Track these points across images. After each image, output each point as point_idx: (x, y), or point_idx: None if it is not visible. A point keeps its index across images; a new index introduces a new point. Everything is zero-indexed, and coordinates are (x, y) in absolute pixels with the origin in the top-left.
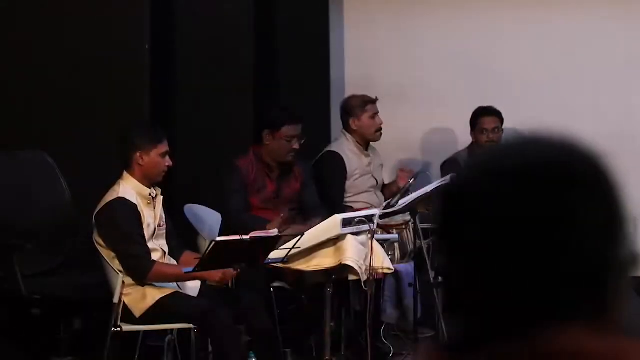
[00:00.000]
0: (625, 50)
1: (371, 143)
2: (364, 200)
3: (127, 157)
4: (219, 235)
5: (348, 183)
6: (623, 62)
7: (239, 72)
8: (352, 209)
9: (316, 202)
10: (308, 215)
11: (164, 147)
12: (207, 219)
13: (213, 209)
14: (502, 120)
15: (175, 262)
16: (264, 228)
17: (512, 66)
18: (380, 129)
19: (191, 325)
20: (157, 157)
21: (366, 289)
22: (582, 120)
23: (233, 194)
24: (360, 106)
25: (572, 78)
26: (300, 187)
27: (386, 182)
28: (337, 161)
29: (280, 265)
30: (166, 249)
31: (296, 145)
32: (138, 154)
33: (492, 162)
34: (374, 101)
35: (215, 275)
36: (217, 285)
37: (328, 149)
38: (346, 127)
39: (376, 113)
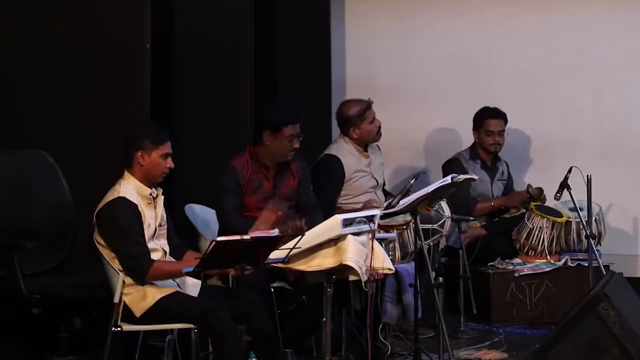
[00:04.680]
0: (625, 50)
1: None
2: (365, 200)
3: (129, 155)
4: (218, 236)
5: (348, 185)
6: (623, 61)
7: (239, 72)
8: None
9: (312, 200)
10: (304, 213)
11: (165, 149)
12: (208, 219)
13: (213, 208)
14: (506, 122)
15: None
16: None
17: (513, 66)
18: (380, 127)
19: (191, 325)
20: (158, 158)
21: (366, 289)
22: (582, 120)
23: (226, 194)
24: (358, 116)
25: (572, 77)
26: (298, 185)
27: (387, 182)
28: (335, 165)
29: (280, 265)
30: (167, 248)
31: (297, 144)
32: (139, 154)
33: None
34: (370, 105)
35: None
36: (220, 272)
37: (327, 152)
38: (345, 132)
39: (374, 117)
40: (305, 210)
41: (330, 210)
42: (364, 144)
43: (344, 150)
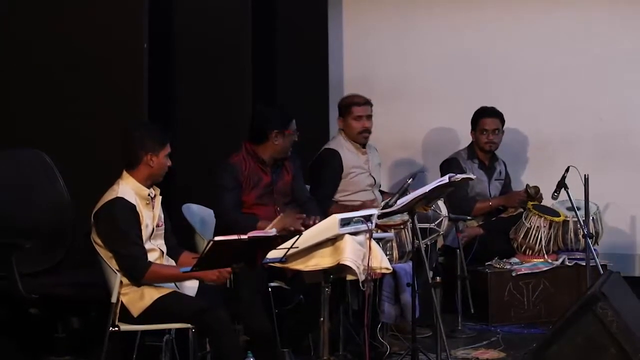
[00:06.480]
0: (625, 50)
1: (370, 142)
2: (362, 198)
3: (135, 157)
4: (214, 234)
5: (345, 181)
6: (623, 61)
7: (238, 72)
8: (345, 207)
9: (307, 194)
10: (300, 207)
11: (169, 149)
12: (205, 219)
13: (211, 208)
14: (503, 122)
15: (173, 262)
16: (255, 226)
17: (512, 65)
18: (364, 131)
19: (189, 325)
20: (164, 159)
21: (364, 288)
22: (580, 119)
23: (226, 192)
24: (345, 107)
25: (571, 77)
26: (292, 179)
27: (385, 181)
28: (334, 158)
29: (278, 265)
30: (164, 248)
31: (297, 138)
32: (149, 156)
33: None
34: (360, 103)
35: (212, 274)
36: (216, 283)
37: (326, 146)
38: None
39: (361, 115)
40: (300, 203)
41: (327, 203)
42: (356, 141)
43: (342, 146)
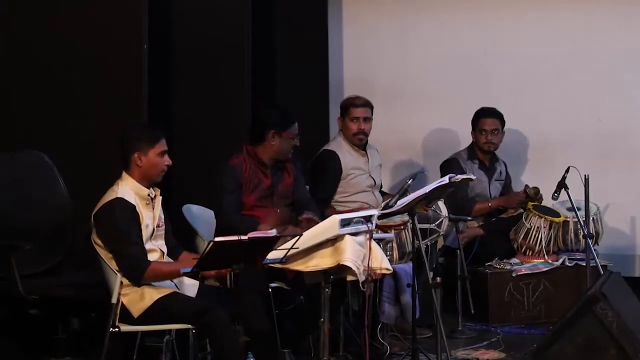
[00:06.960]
0: (625, 50)
1: (370, 143)
2: (362, 199)
3: (126, 158)
4: (214, 236)
5: (345, 182)
6: (623, 61)
7: (238, 72)
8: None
9: (307, 196)
10: (301, 210)
11: (161, 147)
12: (206, 219)
13: (211, 209)
14: (502, 122)
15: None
16: (255, 228)
17: (512, 66)
18: (359, 133)
19: (189, 326)
20: (155, 157)
21: (364, 289)
22: (581, 119)
23: (226, 194)
24: (345, 107)
25: (570, 77)
26: (293, 182)
27: (385, 182)
28: (332, 159)
29: (278, 265)
30: (164, 249)
31: (297, 142)
32: (136, 155)
33: None
34: (358, 105)
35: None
36: (215, 276)
37: (325, 147)
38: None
39: (358, 117)
40: (301, 205)
41: (326, 205)
42: (352, 142)
43: (342, 147)
